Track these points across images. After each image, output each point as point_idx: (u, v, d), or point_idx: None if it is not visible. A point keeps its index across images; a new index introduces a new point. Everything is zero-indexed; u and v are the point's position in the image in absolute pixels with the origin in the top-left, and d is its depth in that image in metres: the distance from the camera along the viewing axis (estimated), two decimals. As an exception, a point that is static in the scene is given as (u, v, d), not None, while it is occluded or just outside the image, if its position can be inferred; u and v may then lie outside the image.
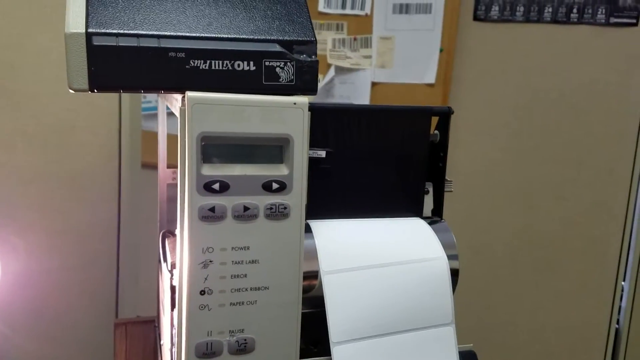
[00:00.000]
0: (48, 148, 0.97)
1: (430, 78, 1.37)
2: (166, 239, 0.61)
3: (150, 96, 1.19)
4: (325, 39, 1.42)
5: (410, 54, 1.38)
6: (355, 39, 1.41)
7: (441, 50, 1.35)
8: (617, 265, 1.35)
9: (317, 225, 0.51)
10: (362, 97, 1.43)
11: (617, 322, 1.39)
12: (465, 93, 1.36)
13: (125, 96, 1.00)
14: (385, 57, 1.41)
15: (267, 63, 0.43)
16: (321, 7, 1.40)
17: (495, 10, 1.33)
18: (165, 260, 0.59)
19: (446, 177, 0.55)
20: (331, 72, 1.42)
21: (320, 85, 1.42)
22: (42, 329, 1.03)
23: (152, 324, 0.87)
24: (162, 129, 0.72)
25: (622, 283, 1.37)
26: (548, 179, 1.34)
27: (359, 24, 1.40)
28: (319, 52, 1.41)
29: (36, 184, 0.98)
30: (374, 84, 1.41)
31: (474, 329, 1.41)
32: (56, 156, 0.98)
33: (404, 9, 1.37)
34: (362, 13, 1.40)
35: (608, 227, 1.34)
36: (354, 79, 1.43)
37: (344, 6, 1.40)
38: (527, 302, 1.39)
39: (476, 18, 1.34)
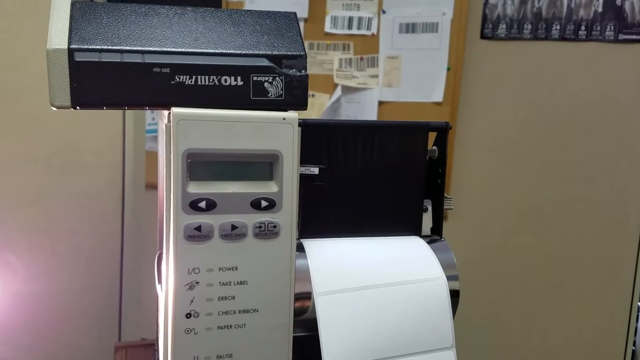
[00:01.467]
0: (52, 169, 0.97)
1: (438, 96, 1.36)
2: (162, 260, 0.60)
3: (156, 117, 1.19)
4: (332, 59, 1.42)
5: (417, 72, 1.38)
6: (361, 59, 1.41)
7: (448, 69, 1.34)
8: (632, 285, 1.31)
9: (310, 244, 0.49)
10: (369, 116, 1.42)
11: (634, 344, 1.34)
12: (474, 111, 1.34)
13: (129, 117, 1.00)
14: (392, 76, 1.40)
15: (255, 78, 0.42)
16: (327, 28, 1.41)
17: (502, 28, 1.32)
18: (160, 282, 0.57)
19: (446, 194, 0.53)
20: (338, 92, 1.42)
21: (327, 104, 1.42)
22: (44, 351, 1.01)
23: (153, 348, 0.85)
24: (162, 148, 0.72)
25: (638, 304, 1.32)
26: (559, 197, 1.31)
27: (365, 44, 1.40)
28: (326, 72, 1.41)
29: (39, 205, 0.97)
30: (381, 103, 1.40)
31: (485, 350, 1.37)
32: (60, 177, 0.98)
33: (410, 28, 1.37)
34: (368, 33, 1.40)
35: (621, 245, 1.30)
36: (361, 98, 1.43)
37: (350, 26, 1.40)
38: (540, 323, 1.35)
39: (483, 36, 1.33)
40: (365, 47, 1.40)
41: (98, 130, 0.99)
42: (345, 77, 1.41)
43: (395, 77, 1.40)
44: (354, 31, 1.40)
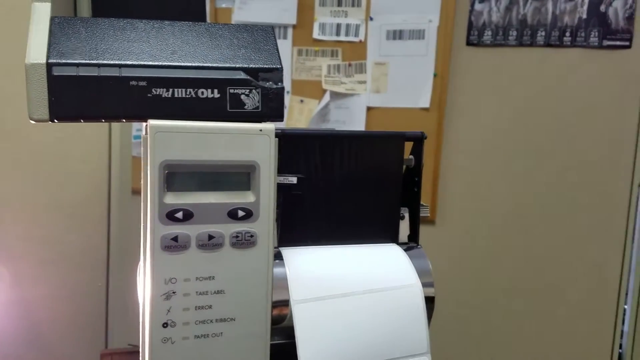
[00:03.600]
0: (38, 177, 0.98)
1: (425, 102, 1.37)
2: (139, 270, 0.60)
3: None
4: (320, 65, 1.43)
5: (405, 79, 1.39)
6: (349, 65, 1.42)
7: (435, 75, 1.36)
8: (617, 288, 1.32)
9: (288, 252, 0.50)
10: (358, 122, 1.43)
11: (620, 347, 1.35)
12: (460, 117, 1.36)
13: (116, 124, 1.00)
14: (380, 82, 1.41)
15: (231, 90, 0.43)
16: (316, 34, 1.42)
17: (488, 35, 1.33)
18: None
19: (422, 202, 0.54)
20: (326, 98, 1.43)
21: (315, 110, 1.43)
22: (31, 358, 1.01)
23: (138, 354, 0.85)
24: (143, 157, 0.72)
25: (625, 306, 1.34)
26: (544, 203, 1.33)
27: (353, 50, 1.41)
28: (314, 78, 1.42)
29: (26, 213, 0.98)
30: (369, 109, 1.41)
31: (473, 353, 1.38)
32: (46, 185, 0.98)
33: (397, 35, 1.38)
34: (356, 39, 1.41)
35: (607, 250, 1.32)
36: (349, 103, 1.44)
37: (338, 33, 1.42)
38: (527, 327, 1.36)
39: (469, 43, 1.34)
40: (353, 53, 1.41)
41: (84, 137, 0.99)
42: (334, 83, 1.43)
43: (383, 83, 1.41)
44: (342, 38, 1.41)
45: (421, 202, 0.54)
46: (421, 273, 0.50)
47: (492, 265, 1.36)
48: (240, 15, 1.43)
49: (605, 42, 1.29)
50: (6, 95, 0.94)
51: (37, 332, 1.01)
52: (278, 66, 0.44)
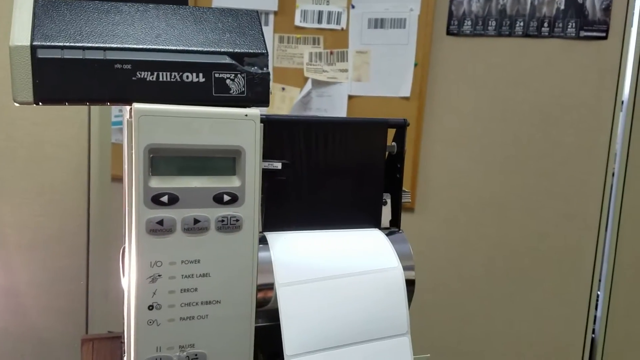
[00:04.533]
0: (16, 162, 0.96)
1: (406, 91, 1.38)
2: (126, 251, 0.60)
3: (122, 109, 1.18)
4: (302, 53, 1.43)
5: (386, 67, 1.40)
6: (331, 53, 1.42)
7: (416, 65, 1.36)
8: (591, 275, 1.36)
9: (273, 237, 0.51)
10: (339, 110, 1.43)
11: (593, 332, 1.39)
12: (440, 106, 1.37)
13: (95, 109, 0.99)
14: (361, 71, 1.42)
15: (217, 75, 0.43)
16: (297, 22, 1.41)
17: (467, 25, 1.34)
18: (124, 275, 0.58)
19: (404, 188, 0.55)
20: (308, 85, 1.43)
21: (297, 98, 1.43)
22: (10, 346, 1.01)
23: (120, 340, 0.85)
24: (126, 142, 0.72)
25: (598, 292, 1.37)
26: (521, 191, 1.35)
27: (335, 38, 1.41)
28: (296, 66, 1.42)
29: (3, 198, 0.96)
30: (350, 97, 1.42)
31: (449, 339, 1.41)
32: (24, 170, 0.97)
33: (379, 23, 1.39)
34: (337, 27, 1.41)
35: (582, 237, 1.35)
36: (331, 92, 1.44)
37: (320, 21, 1.41)
38: (503, 313, 1.39)
39: (449, 33, 1.35)
40: (335, 41, 1.41)
41: (63, 122, 0.98)
42: (316, 71, 1.43)
43: (365, 71, 1.41)
44: (324, 25, 1.41)
45: (403, 188, 0.55)
46: (402, 257, 0.51)
47: (470, 252, 1.38)
48: (221, 1, 1.42)
49: (583, 33, 1.32)
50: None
51: (17, 318, 1.00)
52: (263, 51, 0.45)
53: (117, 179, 1.12)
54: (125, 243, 0.52)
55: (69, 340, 1.03)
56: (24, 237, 0.98)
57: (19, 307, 1.00)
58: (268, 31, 1.42)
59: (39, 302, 1.00)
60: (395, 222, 0.56)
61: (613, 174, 1.35)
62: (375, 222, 0.55)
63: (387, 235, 0.54)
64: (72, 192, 0.99)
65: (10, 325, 1.00)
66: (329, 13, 1.41)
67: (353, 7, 1.39)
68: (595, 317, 1.39)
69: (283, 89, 1.45)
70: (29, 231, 0.98)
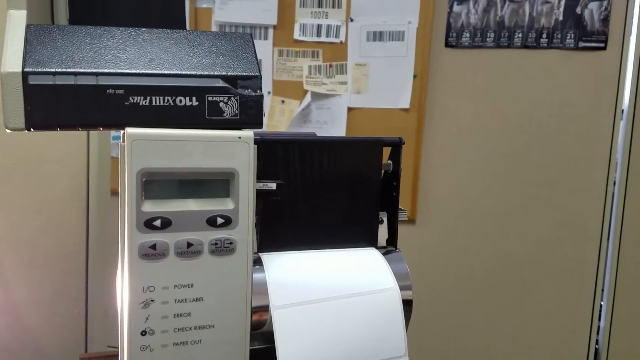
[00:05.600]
0: (15, 179, 0.97)
1: (405, 103, 1.38)
2: (117, 278, 0.60)
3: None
4: (302, 66, 1.43)
5: (385, 79, 1.40)
6: (330, 66, 1.43)
7: (415, 76, 1.37)
8: (594, 285, 1.35)
9: (268, 258, 0.50)
10: (339, 122, 1.44)
11: (597, 343, 1.38)
12: (439, 117, 1.37)
13: (94, 126, 0.99)
14: (361, 83, 1.42)
15: (210, 98, 0.43)
16: (297, 35, 1.42)
17: (466, 37, 1.35)
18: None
19: (400, 206, 0.55)
20: (307, 98, 1.43)
21: (297, 111, 1.43)
22: (9, 364, 1.00)
23: (117, 359, 0.85)
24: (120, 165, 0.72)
25: (601, 303, 1.37)
26: (521, 201, 1.35)
27: (334, 51, 1.42)
28: (296, 79, 1.42)
29: (1, 215, 0.96)
30: (350, 109, 1.42)
31: (449, 350, 1.40)
32: (23, 188, 0.97)
33: (377, 36, 1.39)
34: (336, 40, 1.41)
35: (584, 247, 1.34)
36: (331, 104, 1.44)
37: (319, 34, 1.42)
38: (505, 324, 1.38)
39: (448, 44, 1.36)
40: (334, 54, 1.42)
41: (62, 137, 0.98)
42: (315, 84, 1.43)
43: (364, 84, 1.42)
44: (323, 39, 1.42)
45: (400, 207, 0.55)
46: (399, 276, 0.51)
47: (471, 263, 1.38)
48: (220, 16, 1.42)
49: (581, 44, 1.32)
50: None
51: (16, 335, 1.00)
52: (257, 74, 0.45)
53: (117, 193, 1.12)
54: (119, 266, 0.52)
55: (67, 357, 1.02)
56: (22, 254, 0.98)
57: (17, 324, 0.99)
58: (267, 45, 1.42)
59: (38, 319, 1.00)
60: (392, 241, 0.55)
61: (614, 183, 1.34)
62: (371, 241, 0.55)
63: (384, 254, 0.53)
64: (71, 208, 1.00)
65: (9, 343, 1.00)
66: (328, 26, 1.41)
67: (352, 20, 1.39)
68: (598, 327, 1.38)
69: (283, 101, 1.45)
70: (27, 248, 0.98)
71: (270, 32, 1.43)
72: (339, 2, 1.40)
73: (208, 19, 1.43)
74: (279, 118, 1.46)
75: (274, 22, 1.42)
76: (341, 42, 1.41)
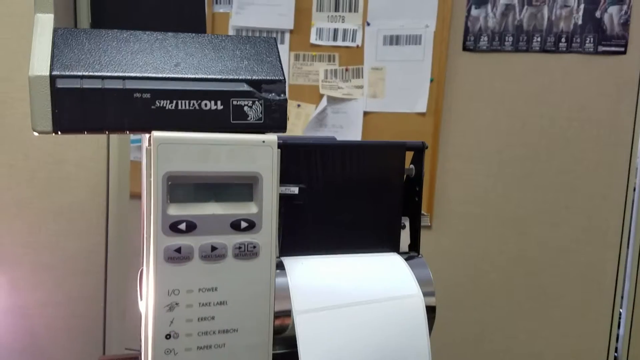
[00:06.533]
0: (35, 182, 0.97)
1: (422, 107, 1.38)
2: (143, 277, 0.60)
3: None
4: (318, 70, 1.43)
5: (401, 84, 1.39)
6: (347, 70, 1.42)
7: (431, 80, 1.36)
8: (613, 292, 1.33)
9: (290, 262, 0.50)
10: (355, 126, 1.43)
11: (616, 350, 1.36)
12: (457, 122, 1.36)
13: (114, 129, 1.00)
14: (377, 87, 1.41)
15: (234, 102, 0.43)
16: (313, 39, 1.42)
17: (484, 41, 1.34)
18: (141, 298, 0.58)
19: (423, 212, 0.54)
20: (323, 102, 1.43)
21: (313, 115, 1.43)
22: (28, 366, 1.01)
23: (136, 361, 0.85)
24: (145, 163, 0.72)
25: (620, 310, 1.35)
26: (541, 206, 1.33)
27: (350, 55, 1.42)
28: (311, 83, 1.43)
29: (22, 218, 0.97)
30: (366, 114, 1.42)
31: (467, 356, 1.39)
32: (43, 190, 0.98)
33: (394, 40, 1.39)
34: (353, 45, 1.41)
35: (603, 253, 1.33)
36: (347, 108, 1.44)
37: (335, 38, 1.42)
38: (523, 330, 1.37)
39: (465, 48, 1.35)
40: (350, 58, 1.42)
41: (82, 140, 0.99)
42: (331, 88, 1.43)
43: (380, 88, 1.41)
44: (339, 43, 1.42)
45: (422, 212, 0.54)
46: (422, 283, 0.51)
47: (489, 269, 1.37)
48: (237, 20, 1.43)
49: (601, 48, 1.30)
50: (4, 100, 0.94)
51: (34, 338, 1.01)
52: (281, 78, 0.44)
53: (136, 196, 1.12)
54: (143, 266, 0.52)
55: (86, 359, 1.03)
56: (41, 257, 0.99)
57: (36, 327, 1.00)
58: (284, 49, 1.43)
59: (57, 322, 1.01)
60: (415, 246, 0.55)
61: (634, 189, 1.32)
62: (393, 247, 0.54)
63: (406, 260, 0.53)
64: (91, 210, 1.00)
65: (27, 345, 1.00)
66: (344, 30, 1.41)
67: (368, 24, 1.39)
68: (617, 335, 1.36)
69: (299, 105, 1.45)
70: (46, 251, 0.99)
71: (287, 36, 1.43)
72: (355, 6, 1.40)
73: (225, 23, 1.43)
74: (295, 121, 1.46)
75: (291, 26, 1.42)
76: (357, 46, 1.41)
